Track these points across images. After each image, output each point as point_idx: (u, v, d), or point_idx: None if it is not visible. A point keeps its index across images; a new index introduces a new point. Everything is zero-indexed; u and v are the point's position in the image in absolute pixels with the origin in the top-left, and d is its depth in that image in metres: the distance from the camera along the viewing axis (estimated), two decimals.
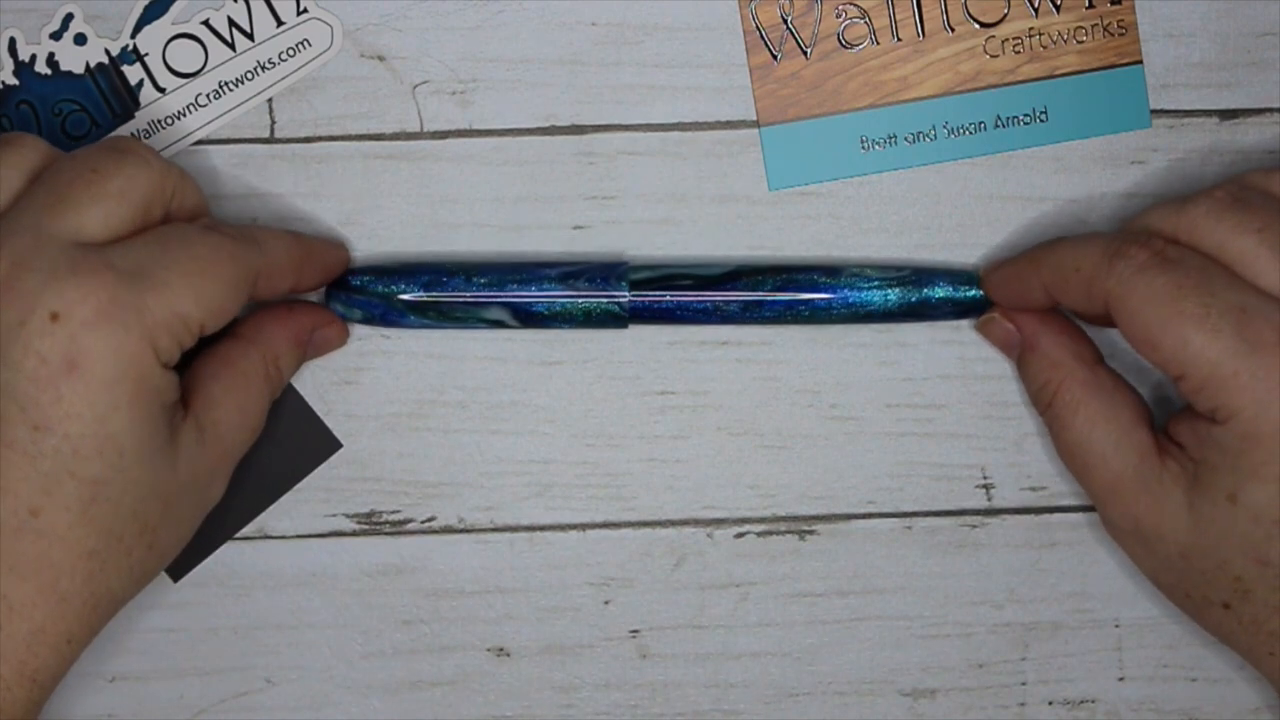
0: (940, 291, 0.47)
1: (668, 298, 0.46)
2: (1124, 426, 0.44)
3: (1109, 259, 0.42)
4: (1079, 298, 0.44)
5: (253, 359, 0.45)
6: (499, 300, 0.46)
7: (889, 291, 0.47)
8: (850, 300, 0.47)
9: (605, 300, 0.46)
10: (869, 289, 0.47)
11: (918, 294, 0.47)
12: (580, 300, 0.46)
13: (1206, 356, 0.41)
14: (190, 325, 0.41)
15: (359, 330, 0.48)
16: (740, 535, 0.49)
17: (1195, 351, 0.41)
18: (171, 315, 0.41)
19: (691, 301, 0.46)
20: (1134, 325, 0.42)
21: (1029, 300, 0.46)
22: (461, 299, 0.46)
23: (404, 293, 0.46)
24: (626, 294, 0.46)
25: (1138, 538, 0.44)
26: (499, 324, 0.46)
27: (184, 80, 0.47)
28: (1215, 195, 0.43)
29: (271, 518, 0.48)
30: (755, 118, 0.48)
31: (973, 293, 0.47)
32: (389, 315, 0.46)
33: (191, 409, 0.43)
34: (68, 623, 0.41)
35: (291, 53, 0.47)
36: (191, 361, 0.44)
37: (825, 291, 0.47)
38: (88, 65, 0.47)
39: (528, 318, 0.46)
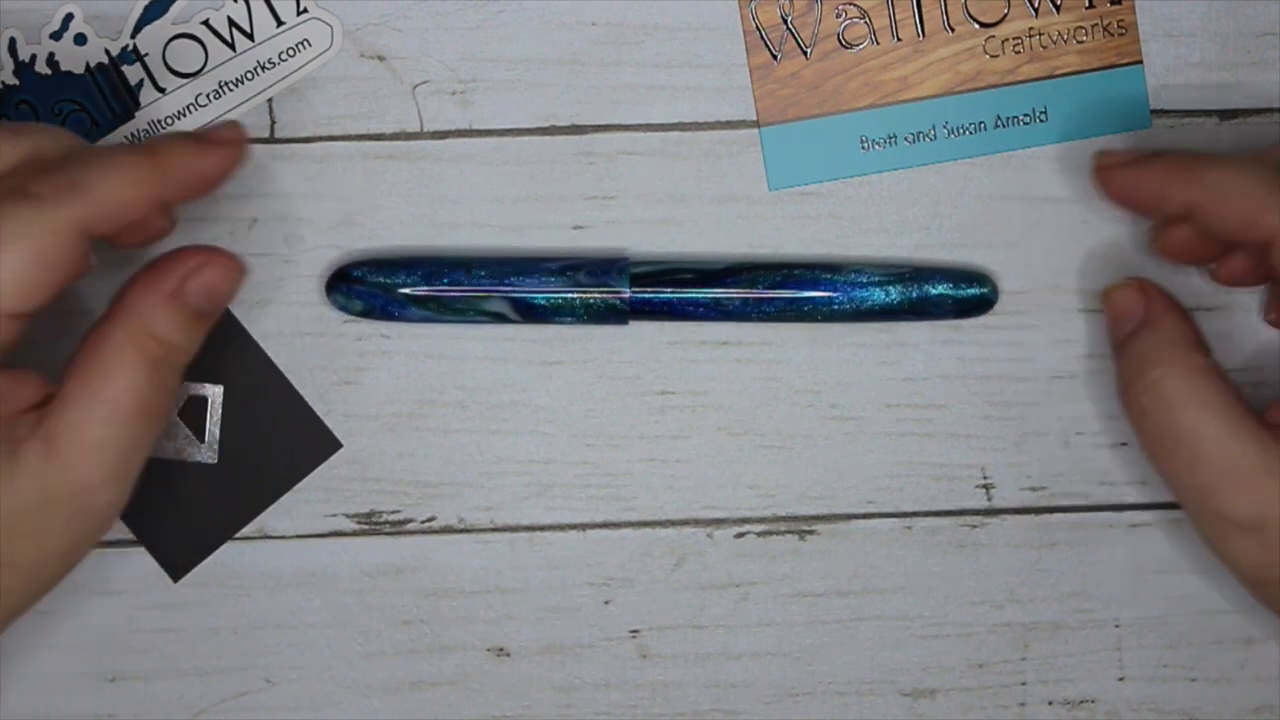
0: (941, 288, 0.47)
1: (669, 293, 0.46)
2: (1239, 414, 0.42)
3: None
4: (1233, 225, 0.42)
5: (116, 338, 0.41)
6: (499, 294, 0.46)
7: (890, 288, 0.47)
8: (851, 296, 0.47)
9: (606, 294, 0.46)
10: (870, 285, 0.47)
11: (918, 290, 0.47)
12: (581, 295, 0.46)
13: None
14: None
15: (359, 330, 0.48)
16: (740, 535, 0.49)
17: None
18: None
19: (693, 296, 0.46)
20: None
21: (1157, 207, 0.44)
22: (461, 292, 0.46)
23: (404, 285, 0.46)
24: (627, 289, 0.46)
25: (1256, 530, 0.42)
26: (500, 317, 0.46)
27: (184, 80, 0.47)
28: None
29: (271, 518, 0.48)
30: (755, 118, 0.48)
31: (973, 290, 0.47)
32: (389, 307, 0.46)
33: (48, 414, 0.40)
34: None
35: (291, 53, 0.47)
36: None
37: (826, 288, 0.47)
38: (88, 65, 0.47)
39: (528, 311, 0.46)
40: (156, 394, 0.41)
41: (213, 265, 0.42)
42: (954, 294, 0.47)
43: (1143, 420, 0.44)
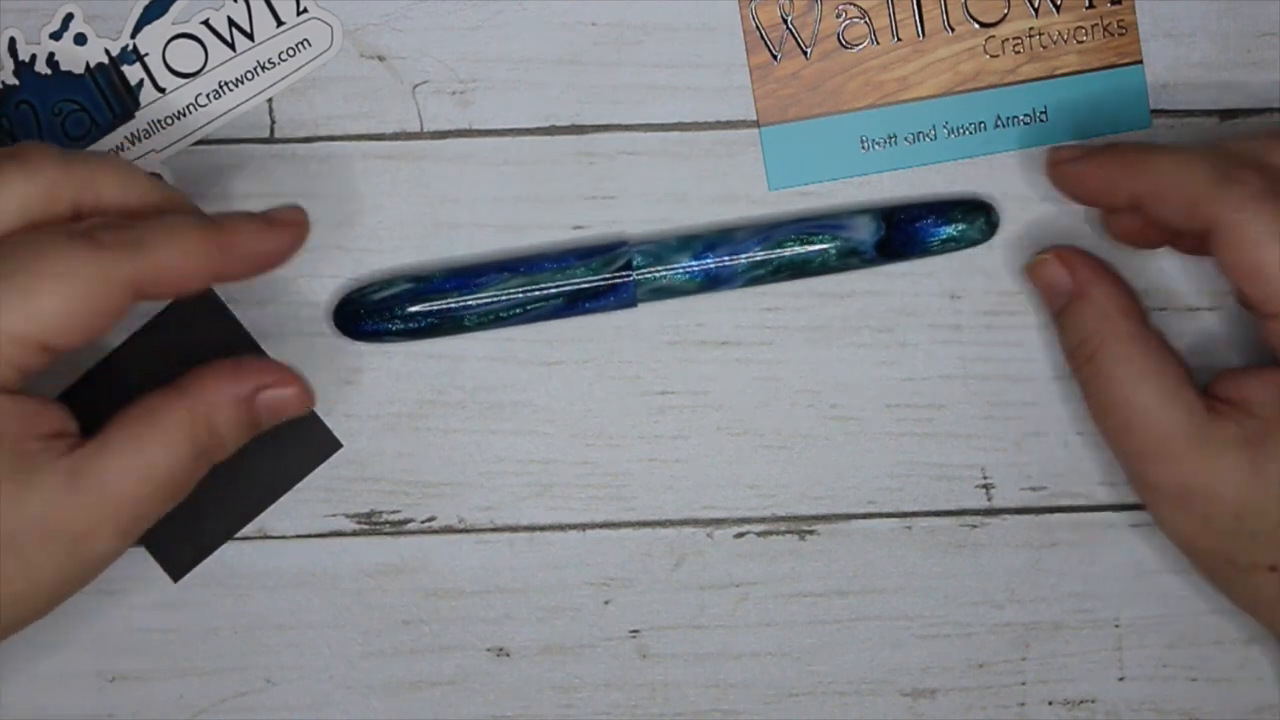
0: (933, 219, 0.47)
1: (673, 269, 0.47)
2: (1171, 384, 0.43)
3: (1218, 182, 0.41)
4: (1176, 214, 0.42)
5: (177, 411, 0.41)
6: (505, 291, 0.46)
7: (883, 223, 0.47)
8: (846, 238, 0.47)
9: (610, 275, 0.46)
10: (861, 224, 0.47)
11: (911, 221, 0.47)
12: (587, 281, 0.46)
13: None
14: (28, 345, 0.39)
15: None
16: (740, 535, 0.49)
17: None
18: None
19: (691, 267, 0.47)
20: (1238, 254, 0.41)
21: (1107, 199, 0.45)
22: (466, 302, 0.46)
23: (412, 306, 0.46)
24: (631, 275, 0.46)
25: (1182, 499, 0.43)
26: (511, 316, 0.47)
27: (184, 80, 0.47)
28: None
29: (271, 518, 0.48)
30: (755, 118, 0.48)
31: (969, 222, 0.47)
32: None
33: (79, 449, 0.40)
34: None
35: (291, 53, 0.47)
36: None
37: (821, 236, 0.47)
38: (88, 65, 0.47)
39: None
40: (188, 479, 0.42)
41: (288, 387, 0.43)
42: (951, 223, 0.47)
43: (1085, 391, 0.45)
